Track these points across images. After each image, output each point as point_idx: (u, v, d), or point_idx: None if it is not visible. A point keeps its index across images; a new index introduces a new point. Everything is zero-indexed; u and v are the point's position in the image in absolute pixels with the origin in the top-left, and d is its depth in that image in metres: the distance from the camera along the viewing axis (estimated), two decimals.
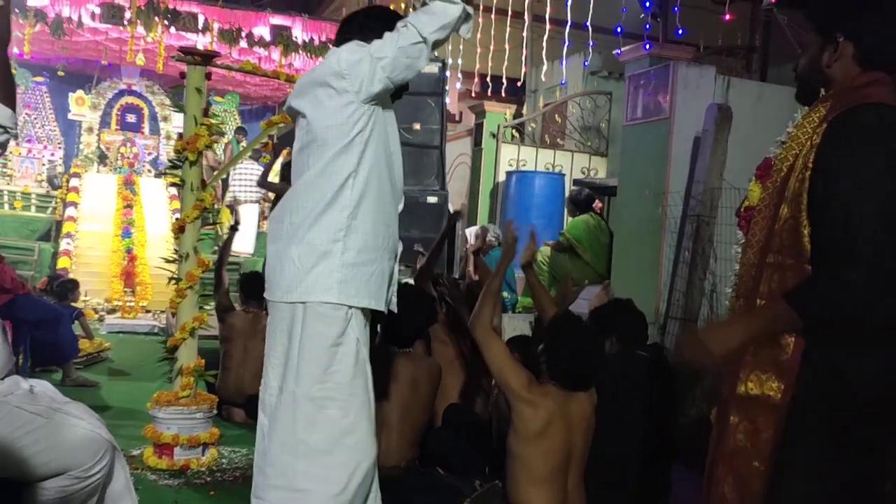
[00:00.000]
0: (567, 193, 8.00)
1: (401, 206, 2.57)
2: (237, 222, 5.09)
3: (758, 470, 1.86)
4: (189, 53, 3.91)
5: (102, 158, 13.63)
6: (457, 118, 12.91)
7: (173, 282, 3.90)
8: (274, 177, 8.24)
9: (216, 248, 8.34)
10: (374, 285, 2.40)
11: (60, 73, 12.81)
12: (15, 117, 2.07)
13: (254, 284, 4.59)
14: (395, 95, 2.50)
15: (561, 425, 2.81)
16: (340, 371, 2.32)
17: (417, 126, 7.83)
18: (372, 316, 2.52)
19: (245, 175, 11.58)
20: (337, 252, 2.32)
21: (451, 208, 8.23)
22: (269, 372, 2.43)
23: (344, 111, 2.33)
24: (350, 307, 2.34)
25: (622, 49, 6.17)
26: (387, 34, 2.33)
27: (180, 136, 3.95)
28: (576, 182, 8.11)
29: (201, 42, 10.76)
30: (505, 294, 6.39)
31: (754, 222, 2.00)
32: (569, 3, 8.04)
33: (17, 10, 9.87)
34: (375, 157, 2.38)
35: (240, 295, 4.98)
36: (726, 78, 5.78)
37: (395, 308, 2.57)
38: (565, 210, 7.94)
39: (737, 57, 8.54)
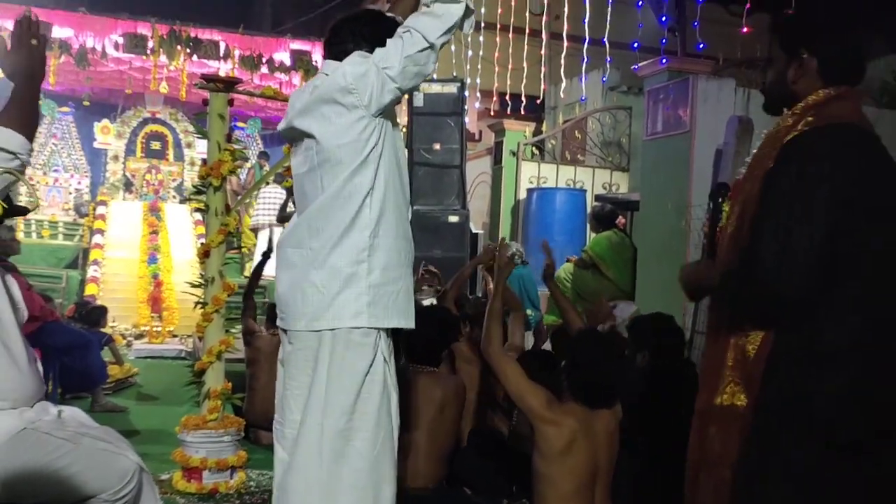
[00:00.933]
0: (589, 209, 7.99)
1: (409, 217, 2.47)
2: (270, 249, 5.10)
3: (728, 478, 1.93)
4: (211, 80, 3.97)
5: (128, 186, 13.82)
6: (476, 137, 12.95)
7: (199, 306, 3.93)
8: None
9: (245, 276, 8.40)
10: (403, 303, 2.31)
11: (86, 103, 13.02)
12: (28, 145, 2.10)
13: None
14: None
15: (585, 442, 2.78)
16: (368, 401, 2.24)
17: (437, 146, 7.87)
18: (393, 335, 2.45)
19: (269, 199, 11.66)
20: (362, 274, 2.23)
21: (473, 227, 8.26)
22: (289, 404, 2.32)
23: (356, 127, 2.22)
24: (379, 331, 2.26)
25: (640, 64, 6.17)
26: (389, 42, 2.22)
27: (204, 161, 4.00)
28: (597, 198, 8.10)
29: (223, 69, 10.92)
30: (529, 312, 6.37)
31: (723, 242, 2.04)
32: (586, 21, 8.07)
33: None
34: (389, 172, 2.29)
35: (266, 318, 5.02)
36: (746, 90, 5.76)
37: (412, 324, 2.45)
38: (588, 226, 7.92)
39: (756, 69, 8.52)
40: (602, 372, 2.86)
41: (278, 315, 2.42)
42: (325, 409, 2.21)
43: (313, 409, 2.23)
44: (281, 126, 2.47)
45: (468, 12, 2.25)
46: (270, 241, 5.53)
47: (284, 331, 2.39)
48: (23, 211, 2.48)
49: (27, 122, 2.13)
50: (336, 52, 2.35)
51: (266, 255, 5.02)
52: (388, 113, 2.30)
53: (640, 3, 8.28)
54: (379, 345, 2.26)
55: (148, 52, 10.62)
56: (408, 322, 2.34)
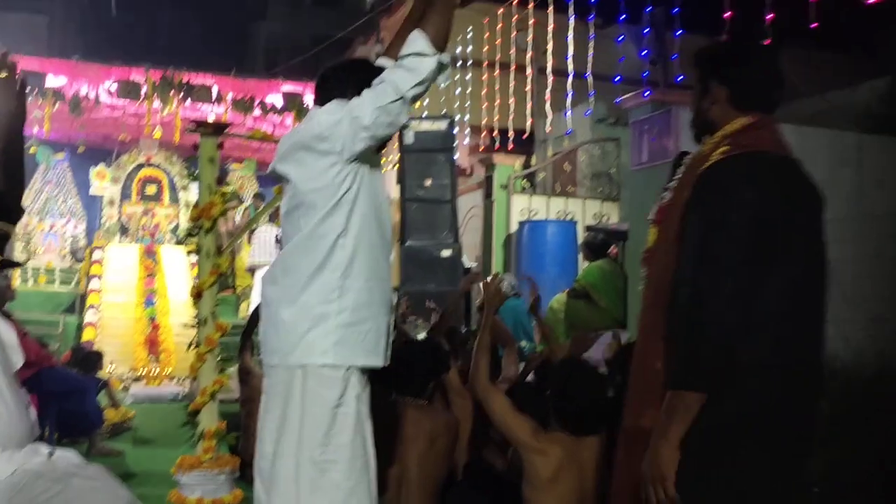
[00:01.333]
0: (580, 240, 8.06)
1: (392, 257, 2.57)
2: None
3: None
4: (201, 125, 4.06)
5: (124, 230, 13.87)
6: (468, 172, 13.08)
7: (193, 347, 3.98)
8: None
9: (241, 317, 8.40)
10: (371, 342, 2.38)
11: (81, 150, 13.14)
12: None
13: None
14: (378, 147, 2.48)
15: (572, 470, 2.82)
16: (341, 433, 2.30)
17: (428, 182, 7.98)
18: (376, 371, 2.51)
19: (265, 239, 11.74)
20: (332, 314, 2.31)
21: (466, 261, 8.32)
22: (264, 437, 2.39)
23: (329, 172, 2.32)
24: (350, 367, 2.33)
25: (623, 97, 6.29)
26: (365, 92, 2.32)
27: (196, 204, 4.08)
28: (588, 228, 8.18)
29: (216, 112, 11.06)
30: (523, 343, 6.41)
31: (650, 265, 2.15)
32: (569, 56, 8.23)
33: (35, 90, 10.20)
34: (364, 215, 2.38)
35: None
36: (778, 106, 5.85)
37: (387, 361, 2.52)
38: (579, 257, 7.99)
39: None
40: (586, 399, 2.90)
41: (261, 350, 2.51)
42: (299, 441, 2.28)
43: (288, 441, 2.30)
44: (270, 168, 2.58)
45: (442, 67, 2.34)
46: None
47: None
48: (15, 264, 2.53)
49: None
50: (323, 99, 2.47)
51: None
52: (365, 158, 2.39)
53: (621, 37, 8.44)
54: (349, 379, 2.34)
55: (141, 97, 10.76)
56: (376, 361, 2.42)
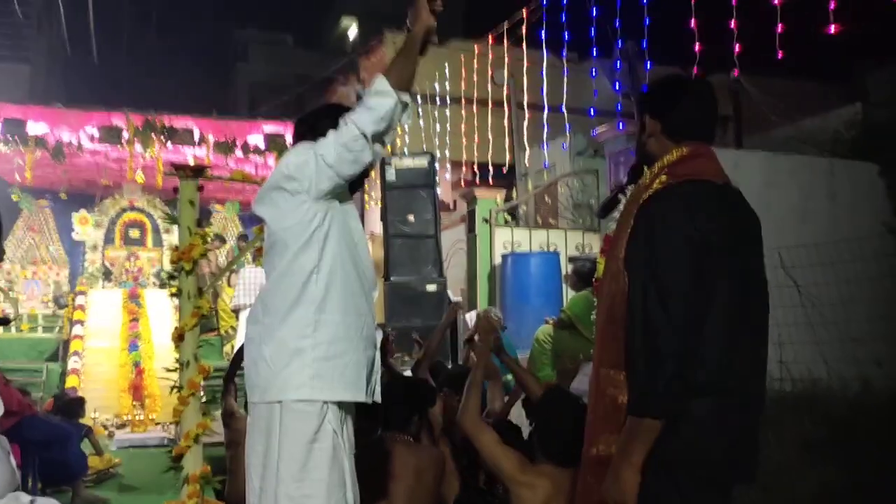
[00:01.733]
0: (563, 271, 8.10)
1: (376, 295, 2.60)
2: None
3: None
4: (180, 168, 4.08)
5: (107, 275, 13.81)
6: (451, 207, 13.17)
7: (175, 390, 3.96)
8: None
9: (226, 359, 8.35)
10: (351, 376, 2.41)
11: (63, 196, 13.13)
12: None
13: None
14: (353, 188, 2.55)
15: (560, 502, 2.81)
16: (318, 468, 2.32)
17: (411, 217, 8.03)
18: (364, 408, 2.53)
19: (249, 280, 11.71)
20: (307, 348, 2.35)
21: (451, 295, 8.34)
22: (251, 474, 2.44)
23: (298, 211, 2.40)
24: (326, 402, 2.35)
25: (597, 130, 6.39)
26: (330, 132, 2.40)
27: (176, 247, 4.09)
28: (571, 259, 8.22)
29: (198, 154, 11.10)
30: (508, 377, 6.40)
31: (599, 294, 2.24)
32: (544, 91, 8.36)
33: (17, 139, 10.22)
34: (338, 251, 2.43)
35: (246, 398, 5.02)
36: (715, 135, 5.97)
37: (378, 398, 2.55)
38: (564, 287, 8.03)
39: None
40: (570, 430, 2.90)
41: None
42: (277, 476, 2.31)
43: (268, 476, 2.34)
44: (251, 211, 2.71)
45: (405, 107, 2.41)
46: None
47: None
48: (4, 322, 2.54)
49: None
50: (297, 143, 2.57)
51: None
52: (337, 196, 2.46)
53: (594, 71, 8.59)
54: (326, 415, 2.36)
55: (123, 142, 10.79)
56: (356, 395, 2.43)
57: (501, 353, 3.82)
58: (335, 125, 2.45)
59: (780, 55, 5.66)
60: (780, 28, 5.77)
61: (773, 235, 5.51)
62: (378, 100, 2.36)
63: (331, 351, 2.37)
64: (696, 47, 6.18)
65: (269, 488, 2.32)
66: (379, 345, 2.60)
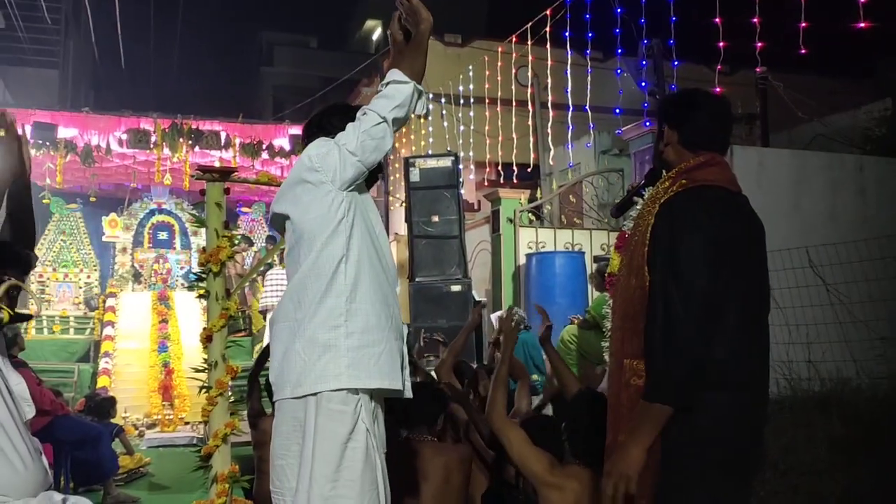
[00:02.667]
0: (588, 271, 8.08)
1: (398, 289, 2.60)
2: None
3: None
4: (207, 171, 4.13)
5: (137, 277, 14.00)
6: (476, 207, 13.17)
7: (204, 390, 4.01)
8: None
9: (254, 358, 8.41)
10: (386, 365, 2.39)
11: (93, 199, 13.33)
12: None
13: None
14: (369, 180, 2.56)
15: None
16: (351, 468, 2.31)
17: (436, 218, 8.05)
18: (389, 408, 2.53)
19: (277, 281, 11.81)
20: (340, 338, 2.34)
21: (476, 295, 8.34)
22: (285, 472, 2.41)
23: (324, 201, 2.40)
24: (359, 397, 2.34)
25: (623, 128, 6.36)
26: (349, 125, 2.43)
27: (203, 249, 4.14)
28: (596, 259, 8.20)
29: (225, 157, 11.21)
30: (535, 377, 6.40)
31: (615, 289, 2.32)
32: (568, 90, 8.34)
33: (48, 144, 10.39)
34: (363, 241, 2.44)
35: (271, 399, 5.06)
36: (730, 146, 5.93)
37: (409, 392, 2.53)
38: (589, 287, 8.00)
39: (739, 124, 8.73)
40: (602, 431, 2.90)
41: (273, 389, 2.51)
42: (311, 477, 2.29)
43: (302, 477, 2.31)
44: (270, 212, 2.67)
45: (419, 93, 2.44)
46: None
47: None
48: (26, 317, 2.57)
49: None
50: (310, 142, 2.57)
51: None
52: (357, 188, 2.48)
53: (620, 70, 8.54)
54: (360, 412, 2.34)
55: (151, 146, 10.93)
56: (392, 383, 2.41)
57: (547, 345, 3.83)
58: (342, 121, 2.50)
59: (803, 51, 5.61)
60: (804, 24, 5.72)
61: (802, 234, 5.49)
62: (395, 87, 2.40)
63: (364, 340, 2.36)
64: (721, 45, 6.14)
65: (303, 489, 2.30)
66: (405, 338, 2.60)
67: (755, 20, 6.10)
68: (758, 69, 6.31)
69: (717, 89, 5.66)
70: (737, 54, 6.53)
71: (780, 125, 7.85)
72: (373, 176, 2.54)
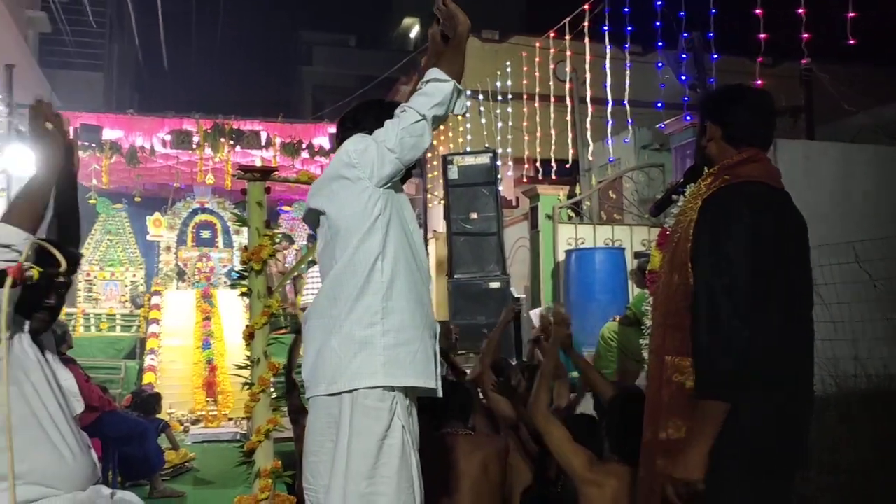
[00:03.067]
0: (629, 267, 8.01)
1: (432, 287, 2.60)
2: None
3: None
4: (248, 171, 4.18)
5: (181, 275, 14.23)
6: (514, 203, 13.14)
7: (247, 387, 4.06)
8: None
9: None
10: (421, 363, 2.39)
11: (137, 199, 13.58)
12: (22, 235, 2.15)
13: None
14: (403, 177, 2.54)
15: (628, 502, 2.79)
16: (387, 464, 2.30)
17: (474, 215, 8.07)
18: (423, 403, 2.53)
19: (317, 280, 11.92)
20: (377, 336, 2.33)
21: (514, 292, 8.34)
22: (318, 470, 2.41)
23: (360, 197, 2.39)
24: (395, 394, 2.33)
25: (664, 123, 6.29)
26: (388, 122, 2.43)
27: (245, 248, 4.20)
28: (637, 255, 8.13)
29: (266, 156, 11.34)
30: (574, 374, 6.37)
31: (656, 286, 2.30)
32: (607, 85, 8.27)
33: (93, 145, 10.61)
34: (399, 238, 2.43)
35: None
36: (773, 139, 5.83)
37: (440, 391, 2.52)
38: (629, 284, 7.94)
39: (784, 117, 8.56)
40: (640, 429, 2.88)
41: (305, 386, 2.52)
42: (346, 474, 2.29)
43: (337, 474, 2.31)
44: (305, 208, 2.65)
45: (459, 92, 2.44)
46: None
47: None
48: (55, 273, 2.44)
49: (27, 212, 2.22)
50: (342, 139, 2.58)
51: (299, 332, 5.13)
52: (393, 185, 2.47)
53: (660, 63, 8.44)
54: (395, 409, 2.34)
55: (194, 146, 11.10)
56: (427, 381, 2.41)
57: (570, 350, 3.81)
58: (377, 116, 2.50)
59: (852, 42, 5.48)
60: (851, 14, 5.59)
61: (848, 229, 5.38)
62: (435, 85, 2.40)
63: (400, 338, 2.36)
64: (763, 36, 6.02)
65: (338, 485, 2.30)
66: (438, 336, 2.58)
67: (800, 11, 5.98)
68: (803, 61, 6.17)
69: (760, 82, 5.58)
70: (780, 46, 6.40)
71: (826, 117, 7.68)
72: (407, 173, 2.53)
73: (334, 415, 2.35)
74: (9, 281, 1.33)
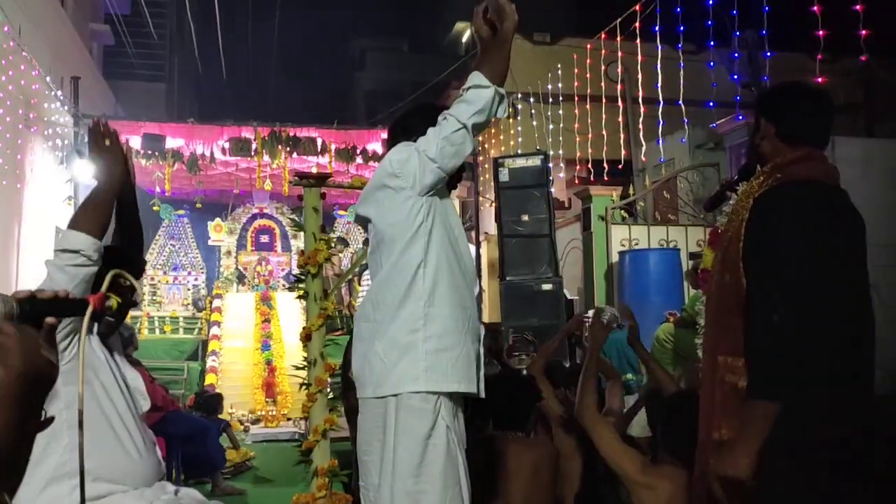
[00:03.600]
0: (684, 268, 7.93)
1: (476, 290, 2.62)
2: None
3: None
4: (304, 177, 4.31)
5: (241, 278, 14.57)
6: (566, 205, 13.08)
7: (304, 387, 4.18)
8: None
9: None
10: (462, 369, 2.44)
11: (199, 205, 13.93)
12: (89, 241, 2.24)
13: None
14: (450, 185, 2.59)
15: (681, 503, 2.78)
16: (433, 463, 2.35)
17: (525, 217, 8.06)
18: (473, 403, 2.58)
19: (370, 282, 12.04)
20: (419, 341, 2.39)
21: (567, 294, 8.32)
22: (369, 469, 2.49)
23: (403, 206, 2.45)
24: (439, 397, 2.38)
25: (717, 122, 6.23)
26: (430, 130, 2.45)
27: (302, 252, 4.32)
28: (692, 255, 8.05)
29: (321, 162, 11.53)
30: (629, 376, 6.34)
31: (708, 285, 2.24)
32: (659, 85, 8.19)
33: (156, 154, 10.94)
34: (441, 245, 2.47)
35: None
36: (830, 138, 5.73)
37: (483, 393, 2.56)
38: (685, 285, 7.86)
39: (842, 114, 8.37)
40: (695, 432, 2.86)
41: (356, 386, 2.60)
42: (393, 472, 2.35)
43: (385, 472, 2.38)
44: (354, 214, 2.75)
45: (501, 99, 2.42)
46: None
47: None
48: (133, 304, 2.68)
49: (93, 220, 2.30)
50: (393, 145, 2.62)
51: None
52: (438, 193, 2.52)
53: (713, 62, 8.33)
54: (440, 410, 2.39)
55: (252, 153, 11.33)
56: (469, 387, 2.46)
57: (636, 344, 3.81)
58: (426, 122, 2.51)
59: None
60: None
61: None
62: (475, 92, 2.39)
63: (442, 344, 2.41)
64: (820, 33, 5.89)
65: (386, 483, 2.36)
66: (482, 340, 2.62)
67: (857, 7, 5.84)
68: (862, 57, 6.02)
69: (820, 79, 5.47)
70: (838, 42, 6.26)
71: (886, 115, 7.50)
72: (455, 178, 2.57)
73: (382, 415, 2.42)
74: (89, 311, 1.41)
